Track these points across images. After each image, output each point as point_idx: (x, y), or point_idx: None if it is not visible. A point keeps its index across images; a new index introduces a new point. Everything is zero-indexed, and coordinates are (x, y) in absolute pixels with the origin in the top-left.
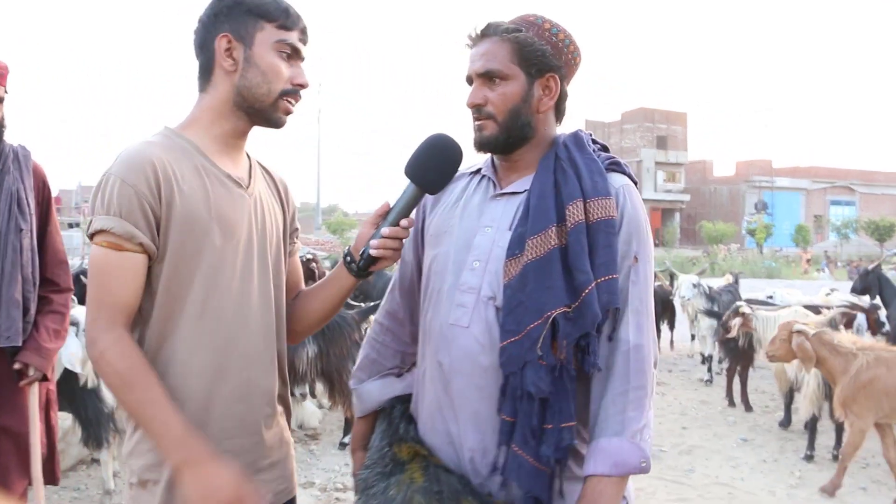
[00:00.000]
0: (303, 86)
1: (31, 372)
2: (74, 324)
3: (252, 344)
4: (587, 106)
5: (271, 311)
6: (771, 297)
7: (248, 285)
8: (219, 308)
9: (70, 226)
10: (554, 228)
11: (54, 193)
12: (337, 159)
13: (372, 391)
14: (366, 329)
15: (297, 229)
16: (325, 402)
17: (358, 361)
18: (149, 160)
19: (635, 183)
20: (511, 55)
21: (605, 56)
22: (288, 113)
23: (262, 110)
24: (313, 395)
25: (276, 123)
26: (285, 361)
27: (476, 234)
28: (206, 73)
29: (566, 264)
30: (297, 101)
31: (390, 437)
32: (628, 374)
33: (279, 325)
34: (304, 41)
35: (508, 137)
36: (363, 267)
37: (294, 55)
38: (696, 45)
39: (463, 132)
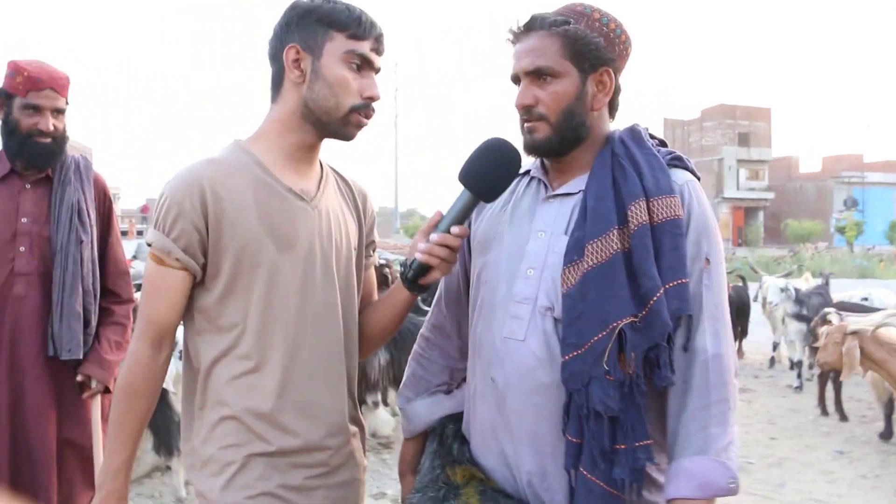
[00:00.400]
0: (373, 98)
1: (94, 384)
2: None
3: (315, 359)
4: (665, 103)
5: (338, 327)
6: (866, 300)
7: (310, 298)
8: (278, 322)
9: None
10: (616, 231)
11: (142, 203)
12: (415, 162)
13: (420, 410)
14: None
15: (373, 241)
16: (398, 409)
17: (404, 379)
18: (197, 179)
19: (698, 179)
20: (562, 50)
21: (683, 51)
22: (360, 126)
23: (331, 123)
24: (386, 402)
25: (346, 137)
26: (355, 380)
27: (529, 240)
28: (277, 84)
29: (630, 270)
30: (370, 114)
31: (443, 458)
32: (708, 387)
33: (348, 341)
34: (378, 51)
35: (563, 139)
36: (412, 278)
37: (365, 66)
38: (779, 36)
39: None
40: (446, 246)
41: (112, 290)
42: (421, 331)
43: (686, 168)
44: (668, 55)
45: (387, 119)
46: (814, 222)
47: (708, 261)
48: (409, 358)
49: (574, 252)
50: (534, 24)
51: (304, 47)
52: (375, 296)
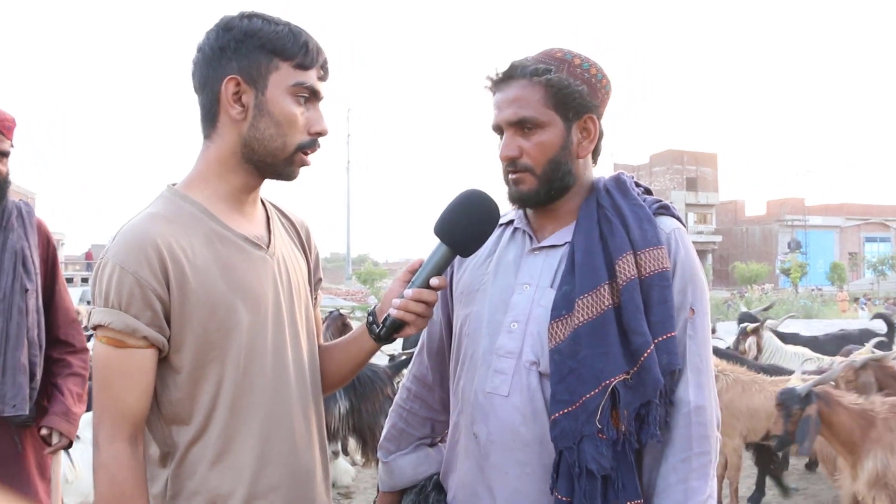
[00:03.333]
0: (321, 134)
1: (56, 439)
2: None
3: (294, 425)
4: (615, 148)
5: (308, 383)
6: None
7: (283, 359)
8: (254, 392)
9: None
10: (606, 286)
11: (85, 249)
12: (367, 207)
13: (405, 468)
14: (399, 383)
15: (320, 279)
16: (359, 458)
17: (385, 431)
18: (151, 240)
19: (685, 227)
20: (545, 100)
21: (631, 97)
22: (304, 165)
23: (274, 165)
24: (346, 452)
25: (289, 178)
26: (324, 431)
27: (513, 293)
28: (210, 118)
29: (621, 326)
30: (315, 150)
31: None
32: (690, 439)
33: (316, 395)
34: (323, 78)
35: (550, 190)
36: (385, 335)
37: (312, 98)
38: (724, 82)
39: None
40: (422, 301)
41: (64, 340)
42: (403, 382)
43: (672, 216)
44: (617, 101)
45: (339, 165)
46: (760, 264)
47: (693, 310)
48: (390, 409)
49: (562, 306)
50: (514, 73)
51: (245, 79)
52: (321, 336)
